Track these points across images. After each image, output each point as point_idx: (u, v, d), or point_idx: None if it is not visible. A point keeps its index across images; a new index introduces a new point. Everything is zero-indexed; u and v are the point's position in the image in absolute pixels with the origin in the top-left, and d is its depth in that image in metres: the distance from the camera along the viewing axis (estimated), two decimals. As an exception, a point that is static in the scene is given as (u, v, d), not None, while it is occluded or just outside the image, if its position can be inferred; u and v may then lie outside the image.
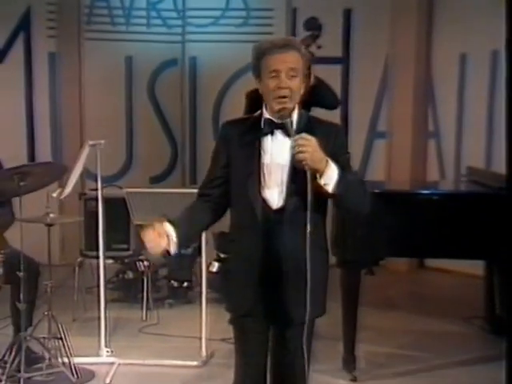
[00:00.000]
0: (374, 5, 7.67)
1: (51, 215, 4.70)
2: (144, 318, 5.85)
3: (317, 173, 2.88)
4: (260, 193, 3.01)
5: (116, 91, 7.84)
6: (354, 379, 4.61)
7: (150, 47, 7.83)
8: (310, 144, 2.86)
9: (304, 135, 2.89)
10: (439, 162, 7.67)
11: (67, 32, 7.61)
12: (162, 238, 2.94)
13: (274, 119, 3.00)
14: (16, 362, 4.48)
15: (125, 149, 7.77)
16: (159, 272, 6.48)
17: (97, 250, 5.25)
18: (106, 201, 5.26)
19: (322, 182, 2.90)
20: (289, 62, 2.96)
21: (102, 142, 4.93)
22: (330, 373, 4.61)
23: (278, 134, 3.01)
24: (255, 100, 5.95)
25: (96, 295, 5.92)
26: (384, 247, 4.60)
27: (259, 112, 3.09)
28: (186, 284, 6.40)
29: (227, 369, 4.68)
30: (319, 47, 5.66)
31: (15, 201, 4.86)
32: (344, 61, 7.70)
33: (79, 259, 6.04)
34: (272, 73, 2.95)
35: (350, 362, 4.67)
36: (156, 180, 7.76)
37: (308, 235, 2.91)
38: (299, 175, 2.97)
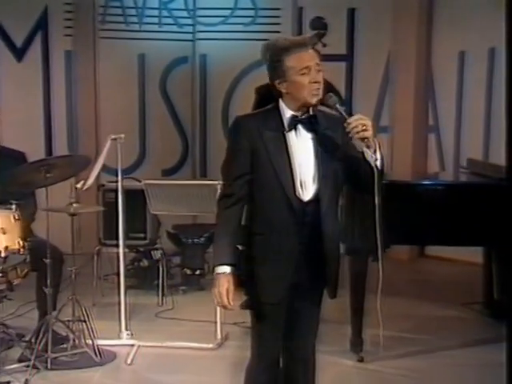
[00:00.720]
0: (377, 4, 7.71)
1: (74, 205, 4.82)
2: (160, 304, 5.95)
3: (370, 149, 2.99)
4: (294, 187, 3.06)
5: (129, 88, 7.87)
6: (361, 360, 4.72)
7: (161, 45, 7.88)
8: (370, 123, 2.98)
9: (361, 116, 3.00)
10: (439, 154, 7.71)
11: (83, 31, 7.66)
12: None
13: (298, 115, 3.07)
14: (43, 342, 4.60)
15: (138, 143, 7.82)
16: (173, 260, 6.57)
17: (115, 238, 5.35)
18: (124, 192, 5.31)
19: (376, 156, 3.00)
20: (315, 57, 3.04)
21: (122, 135, 5.03)
22: (338, 354, 4.72)
23: (301, 130, 3.08)
24: (264, 95, 6.03)
25: (112, 282, 6.09)
26: (390, 236, 4.63)
27: (271, 107, 3.14)
28: (198, 272, 6.45)
29: (241, 351, 4.74)
30: (324, 45, 5.71)
31: (39, 192, 5.01)
32: (348, 58, 7.75)
33: (97, 247, 6.14)
34: (304, 70, 3.00)
35: (357, 344, 4.78)
36: (168, 173, 7.80)
37: (377, 208, 3.04)
38: (326, 168, 3.07)
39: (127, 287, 5.79)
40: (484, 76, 7.31)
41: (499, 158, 6.72)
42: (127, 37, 7.83)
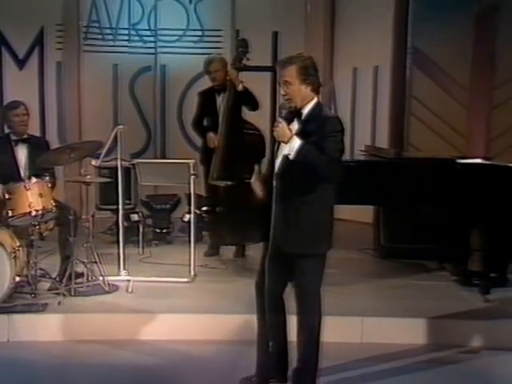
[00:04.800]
0: (294, 29, 7.99)
1: (88, 177, 5.20)
2: (141, 253, 6.22)
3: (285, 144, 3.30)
4: (274, 161, 3.53)
5: (106, 90, 8.02)
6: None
7: (130, 57, 8.04)
8: (279, 125, 3.31)
9: (278, 120, 3.34)
10: (338, 144, 8.27)
11: (70, 46, 7.79)
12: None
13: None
14: (67, 276, 5.04)
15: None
16: (146, 221, 6.78)
17: (111, 204, 5.86)
18: (114, 169, 5.67)
19: (285, 151, 3.31)
20: (283, 76, 3.40)
21: (122, 127, 5.35)
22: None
23: (295, 123, 3.44)
24: (203, 99, 6.46)
25: (99, 238, 6.40)
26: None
27: None
28: (165, 230, 6.79)
29: (209, 283, 5.39)
30: (248, 59, 5.77)
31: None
32: (273, 69, 7.58)
33: (93, 212, 6.26)
34: (279, 84, 3.47)
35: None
36: (135, 155, 7.74)
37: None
38: (290, 150, 3.37)
39: (111, 242, 6.24)
40: (370, 86, 7.71)
41: (383, 143, 7.54)
42: (104, 50, 7.96)
